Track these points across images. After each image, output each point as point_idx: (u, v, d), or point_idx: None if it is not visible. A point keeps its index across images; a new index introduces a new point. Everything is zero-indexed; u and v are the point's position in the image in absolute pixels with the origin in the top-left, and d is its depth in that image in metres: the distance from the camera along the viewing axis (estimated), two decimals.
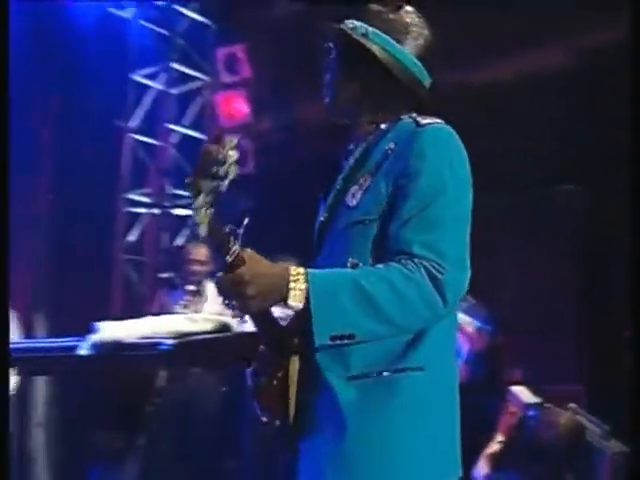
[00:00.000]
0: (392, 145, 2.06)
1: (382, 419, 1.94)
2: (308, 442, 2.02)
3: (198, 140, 8.20)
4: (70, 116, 7.75)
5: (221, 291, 1.93)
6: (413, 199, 1.96)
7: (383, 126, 2.16)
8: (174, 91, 8.31)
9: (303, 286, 1.87)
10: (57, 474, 6.04)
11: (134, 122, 8.12)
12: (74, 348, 4.26)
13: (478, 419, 5.55)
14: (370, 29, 2.13)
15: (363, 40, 2.11)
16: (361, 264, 1.96)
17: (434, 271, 1.88)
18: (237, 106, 7.97)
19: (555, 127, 6.29)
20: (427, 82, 2.19)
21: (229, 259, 1.87)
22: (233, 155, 1.84)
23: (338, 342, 1.87)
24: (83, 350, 4.24)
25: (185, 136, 8.30)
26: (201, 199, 1.85)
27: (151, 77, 8.23)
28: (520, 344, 5.98)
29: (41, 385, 6.77)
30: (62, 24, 7.53)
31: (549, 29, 6.37)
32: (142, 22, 8.04)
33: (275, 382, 2.03)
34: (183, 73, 8.28)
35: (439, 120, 2.07)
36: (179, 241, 8.05)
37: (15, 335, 6.42)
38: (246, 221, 1.93)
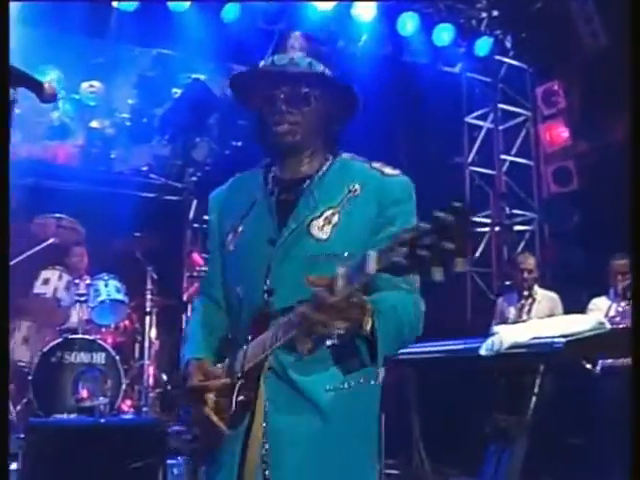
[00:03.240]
0: (356, 187, 2.24)
1: (356, 418, 2.22)
2: (289, 447, 2.16)
3: (525, 165, 9.51)
4: (417, 157, 8.95)
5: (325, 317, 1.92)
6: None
7: (330, 160, 2.33)
8: (501, 127, 9.66)
9: (370, 319, 1.98)
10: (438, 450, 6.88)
11: (471, 157, 9.60)
12: (476, 349, 4.88)
13: None
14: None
15: (330, 75, 2.29)
16: None
17: (419, 301, 2.19)
18: (557, 133, 9.14)
19: None
20: None
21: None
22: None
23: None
24: (483, 351, 4.84)
25: (513, 163, 9.60)
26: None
27: (481, 118, 9.68)
28: None
29: (413, 377, 8.14)
30: (408, 83, 8.98)
31: None
32: (468, 74, 9.50)
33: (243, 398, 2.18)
34: (508, 111, 9.62)
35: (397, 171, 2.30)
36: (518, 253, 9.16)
37: None
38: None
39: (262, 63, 2.31)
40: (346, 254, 2.13)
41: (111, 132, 8.93)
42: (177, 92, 8.96)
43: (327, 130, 2.31)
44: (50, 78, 7.66)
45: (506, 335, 4.77)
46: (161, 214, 7.83)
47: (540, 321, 5.33)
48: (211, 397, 2.18)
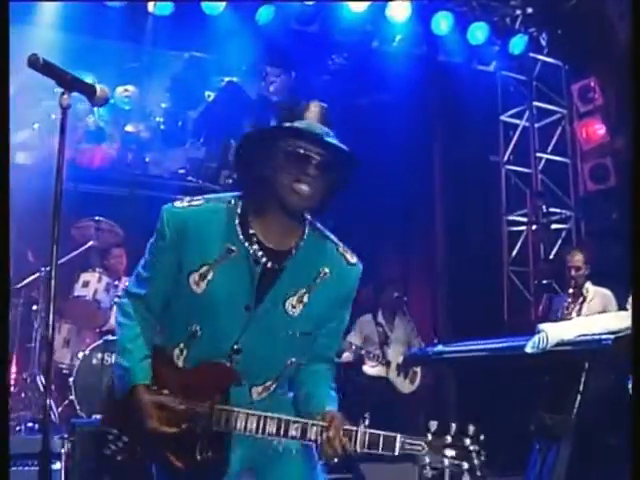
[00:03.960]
0: (327, 270, 2.49)
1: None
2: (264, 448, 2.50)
3: (561, 163, 9.41)
4: (453, 157, 9.22)
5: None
6: (339, 319, 2.59)
7: (306, 232, 2.49)
8: (537, 125, 9.57)
9: None
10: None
11: (507, 155, 9.53)
12: (521, 347, 4.79)
13: None
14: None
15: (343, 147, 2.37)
16: (296, 361, 2.53)
17: None
18: (594, 130, 8.99)
19: None
20: None
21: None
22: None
23: None
24: (529, 348, 4.77)
25: (550, 161, 9.52)
26: None
27: (517, 116, 9.59)
28: None
29: (452, 377, 8.06)
30: (443, 82, 8.99)
31: None
32: (503, 72, 9.42)
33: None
34: (543, 109, 9.52)
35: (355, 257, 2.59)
36: (555, 251, 9.19)
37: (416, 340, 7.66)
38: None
39: (297, 125, 2.35)
40: (312, 334, 2.49)
41: (146, 135, 9.01)
42: (210, 95, 9.03)
43: (324, 203, 2.42)
44: None
45: (552, 332, 4.73)
46: None
47: (586, 318, 5.32)
48: (171, 439, 2.38)
